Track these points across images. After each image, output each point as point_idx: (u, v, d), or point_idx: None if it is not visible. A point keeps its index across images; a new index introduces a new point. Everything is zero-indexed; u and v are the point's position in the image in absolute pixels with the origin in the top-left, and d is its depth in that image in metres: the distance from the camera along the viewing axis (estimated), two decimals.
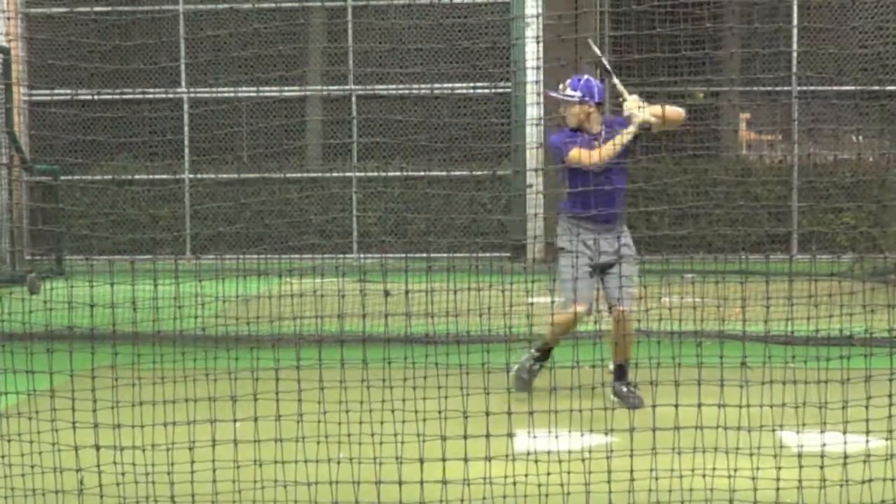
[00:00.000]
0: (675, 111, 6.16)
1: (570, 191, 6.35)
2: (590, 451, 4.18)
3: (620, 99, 6.26)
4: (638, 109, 6.04)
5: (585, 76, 6.43)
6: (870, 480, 4.02)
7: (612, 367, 6.31)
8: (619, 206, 6.32)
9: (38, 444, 4.32)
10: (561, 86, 6.38)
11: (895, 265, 10.84)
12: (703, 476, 4.15)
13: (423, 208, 14.76)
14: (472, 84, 14.99)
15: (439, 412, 4.43)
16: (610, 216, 6.18)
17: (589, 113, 6.30)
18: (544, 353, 6.47)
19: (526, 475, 4.15)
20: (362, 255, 14.38)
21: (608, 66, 6.51)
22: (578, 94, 6.28)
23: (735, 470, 4.11)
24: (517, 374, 6.47)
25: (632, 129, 6.07)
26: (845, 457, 4.03)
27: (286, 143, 15.24)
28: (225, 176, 15.25)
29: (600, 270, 6.31)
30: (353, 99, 15.72)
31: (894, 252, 11.39)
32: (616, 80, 6.39)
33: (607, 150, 6.09)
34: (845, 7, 14.37)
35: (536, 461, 4.17)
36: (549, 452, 4.31)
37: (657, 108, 6.06)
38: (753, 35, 14.97)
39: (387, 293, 4.31)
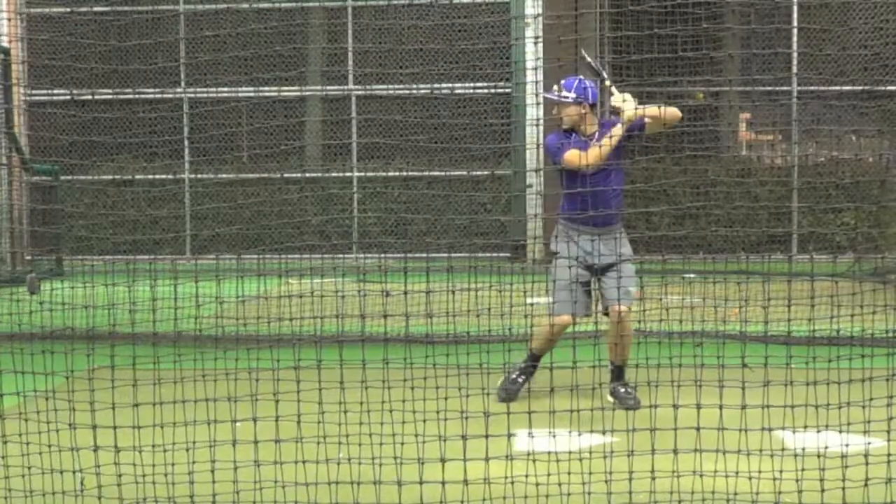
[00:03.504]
0: (671, 110, 6.10)
1: (566, 192, 6.34)
2: (589, 452, 4.18)
3: (611, 97, 6.24)
4: (623, 103, 6.03)
5: (580, 77, 6.39)
6: (868, 479, 4.02)
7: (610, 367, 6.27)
8: (616, 206, 6.30)
9: (38, 446, 4.32)
10: (555, 87, 6.38)
11: (895, 265, 10.84)
12: (702, 477, 4.15)
13: (423, 208, 14.75)
14: (471, 84, 14.98)
15: (438, 413, 4.43)
16: (607, 218, 6.16)
17: (584, 114, 6.26)
18: (532, 364, 6.41)
19: (525, 476, 4.15)
20: (362, 256, 14.37)
21: (595, 65, 6.50)
22: (573, 94, 6.25)
23: (735, 472, 4.10)
24: (502, 386, 6.36)
25: (619, 127, 6.05)
26: (844, 457, 4.02)
27: (286, 144, 15.23)
28: (225, 176, 15.24)
29: (599, 272, 6.29)
30: (353, 99, 15.72)
31: (894, 252, 11.38)
32: (605, 77, 6.38)
33: (598, 150, 6.05)
34: (845, 7, 14.36)
35: (535, 461, 4.17)
36: (547, 453, 4.31)
37: (651, 108, 6.04)
38: (753, 35, 14.97)
39: (386, 294, 4.30)
